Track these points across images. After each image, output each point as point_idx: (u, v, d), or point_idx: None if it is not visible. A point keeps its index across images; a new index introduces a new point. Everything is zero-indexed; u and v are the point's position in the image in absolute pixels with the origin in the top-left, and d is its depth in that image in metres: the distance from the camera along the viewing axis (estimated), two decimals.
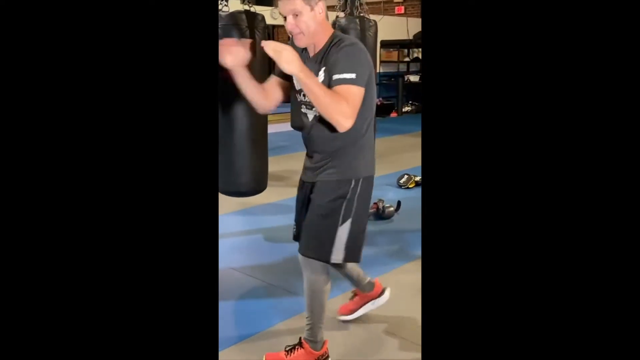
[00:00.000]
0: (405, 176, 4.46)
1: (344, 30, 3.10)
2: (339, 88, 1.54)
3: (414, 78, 9.53)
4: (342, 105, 1.51)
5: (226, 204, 3.48)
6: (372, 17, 3.43)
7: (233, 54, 1.63)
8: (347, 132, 1.58)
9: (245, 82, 1.71)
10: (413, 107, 9.69)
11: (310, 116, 1.72)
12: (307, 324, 1.86)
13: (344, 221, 1.71)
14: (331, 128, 1.61)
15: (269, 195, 3.24)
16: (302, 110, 1.75)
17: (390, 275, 2.65)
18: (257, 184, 2.64)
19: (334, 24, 3.21)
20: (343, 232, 1.71)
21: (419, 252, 2.87)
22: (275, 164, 3.89)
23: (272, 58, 1.50)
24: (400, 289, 2.36)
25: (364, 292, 2.16)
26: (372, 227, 3.30)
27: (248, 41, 1.70)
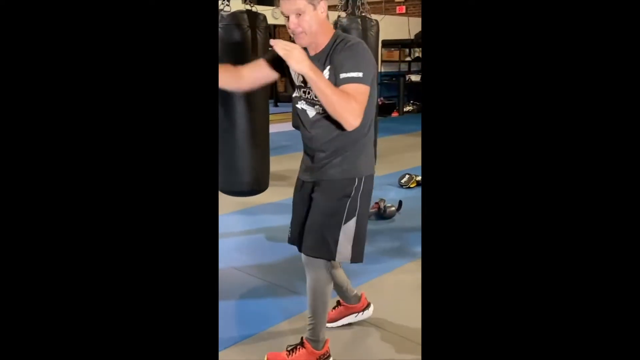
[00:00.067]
0: (407, 176, 4.46)
1: (345, 29, 3.10)
2: (347, 87, 1.54)
3: (416, 78, 9.52)
4: (351, 103, 1.52)
5: (228, 203, 3.49)
6: (373, 16, 3.44)
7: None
8: (351, 131, 1.59)
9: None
10: (414, 106, 9.68)
11: (311, 113, 1.70)
12: (309, 324, 1.86)
13: (347, 220, 1.71)
14: (334, 126, 1.61)
15: (271, 195, 3.24)
16: (302, 106, 1.72)
17: (391, 275, 2.65)
18: (259, 184, 2.65)
19: (335, 24, 3.21)
20: (347, 231, 1.71)
21: (420, 251, 2.87)
22: (276, 164, 3.89)
23: (281, 57, 1.51)
24: (401, 289, 2.36)
25: (349, 303, 2.15)
26: (373, 226, 3.30)
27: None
